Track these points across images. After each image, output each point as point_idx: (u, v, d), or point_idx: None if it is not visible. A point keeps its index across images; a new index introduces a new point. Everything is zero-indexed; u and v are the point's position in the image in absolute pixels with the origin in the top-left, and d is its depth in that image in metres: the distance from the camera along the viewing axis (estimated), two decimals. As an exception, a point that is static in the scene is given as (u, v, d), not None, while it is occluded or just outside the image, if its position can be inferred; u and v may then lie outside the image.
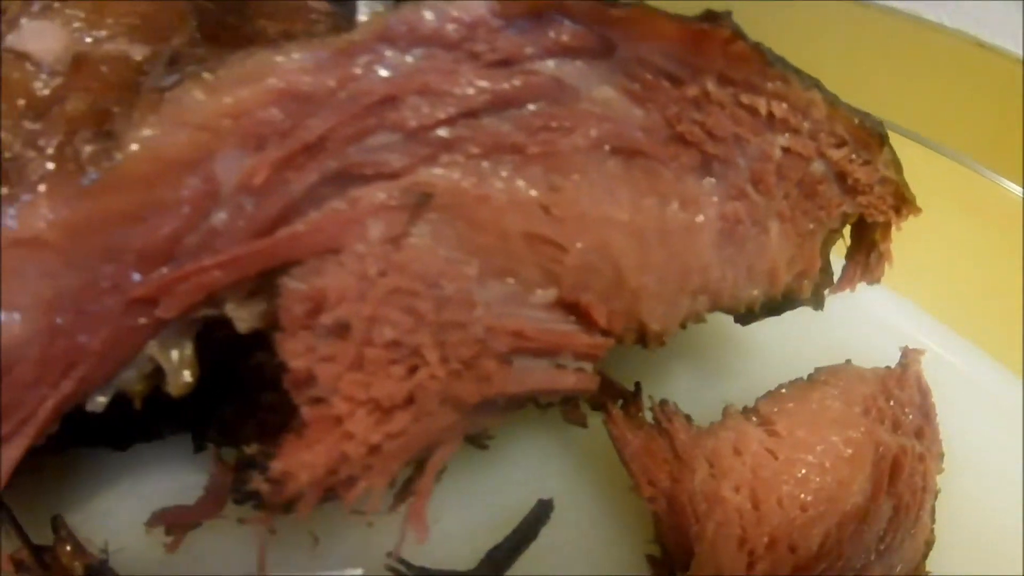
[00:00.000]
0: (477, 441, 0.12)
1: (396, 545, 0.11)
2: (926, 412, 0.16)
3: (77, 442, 0.13)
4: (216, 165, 0.09)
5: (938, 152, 0.36)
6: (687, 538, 0.11)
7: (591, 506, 0.14)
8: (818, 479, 0.12)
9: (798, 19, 0.45)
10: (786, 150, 0.13)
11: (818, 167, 0.14)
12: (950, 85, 0.41)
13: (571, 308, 0.11)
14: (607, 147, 0.12)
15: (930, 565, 0.14)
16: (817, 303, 0.16)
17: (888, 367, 0.16)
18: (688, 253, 0.12)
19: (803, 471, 0.12)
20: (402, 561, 0.12)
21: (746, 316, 0.15)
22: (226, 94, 0.09)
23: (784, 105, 0.13)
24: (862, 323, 0.21)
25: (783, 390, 0.13)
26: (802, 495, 0.12)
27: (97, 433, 0.13)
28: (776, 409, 0.13)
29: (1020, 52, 0.38)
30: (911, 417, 0.15)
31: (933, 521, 0.14)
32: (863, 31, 0.43)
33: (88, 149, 0.08)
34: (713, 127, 0.12)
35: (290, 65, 0.09)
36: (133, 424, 0.13)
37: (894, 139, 0.16)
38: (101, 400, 0.10)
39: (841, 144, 0.14)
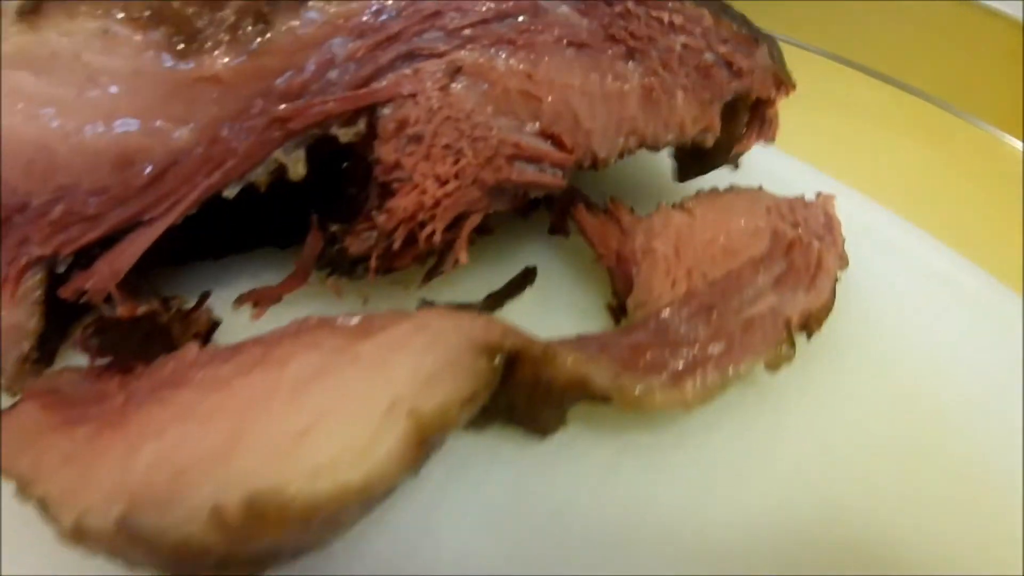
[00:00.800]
0: (485, 228, 0.19)
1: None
2: (830, 227, 0.21)
3: (183, 258, 0.20)
4: (333, 45, 0.16)
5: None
6: (630, 279, 0.17)
7: (564, 274, 0.20)
8: (723, 239, 0.18)
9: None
10: (684, 45, 0.20)
11: (709, 56, 0.21)
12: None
13: (548, 136, 0.18)
14: (565, 42, 0.19)
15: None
16: (732, 164, 0.22)
17: (794, 196, 0.21)
18: (621, 108, 0.19)
19: (711, 235, 0.18)
20: (427, 301, 0.18)
21: (681, 171, 0.22)
22: (340, 4, 0.16)
23: (681, 16, 0.20)
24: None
25: (702, 192, 0.19)
26: (710, 247, 0.18)
27: (197, 247, 0.19)
28: (694, 201, 0.19)
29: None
30: (812, 226, 0.20)
31: (832, 302, 0.19)
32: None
33: (251, 28, 0.16)
34: (633, 31, 0.19)
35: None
36: (228, 239, 0.20)
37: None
38: (233, 190, 0.17)
39: (725, 42, 0.21)
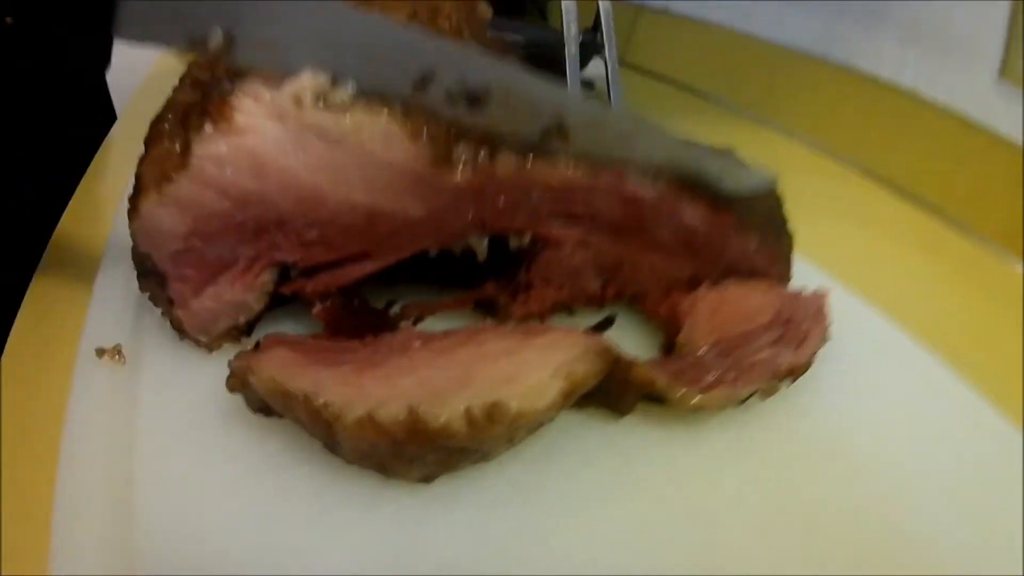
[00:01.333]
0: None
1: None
2: (818, 314, 0.28)
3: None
4: (531, 189, 0.27)
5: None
6: (679, 328, 0.27)
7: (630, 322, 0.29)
8: (743, 310, 0.27)
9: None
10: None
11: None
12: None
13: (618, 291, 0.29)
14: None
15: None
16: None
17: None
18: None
19: (735, 306, 0.27)
20: None
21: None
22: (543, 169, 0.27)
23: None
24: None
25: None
26: (734, 314, 0.27)
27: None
28: (727, 282, 0.28)
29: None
30: (804, 311, 0.29)
31: (811, 362, 0.27)
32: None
33: (482, 159, 0.26)
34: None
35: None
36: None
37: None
38: (434, 251, 0.26)
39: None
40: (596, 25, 0.75)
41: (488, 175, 0.24)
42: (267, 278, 0.26)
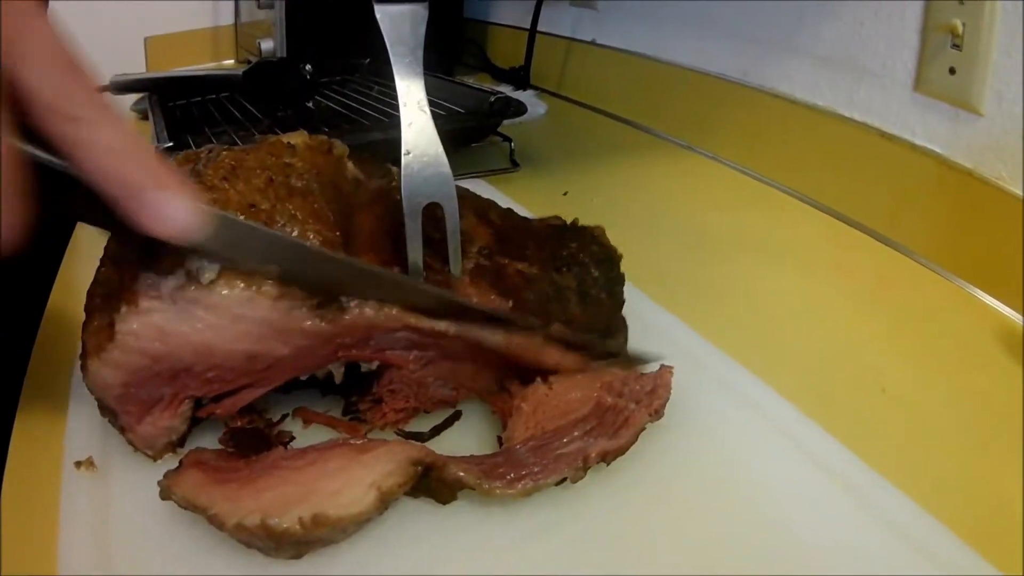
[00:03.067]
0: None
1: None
2: (653, 393, 0.35)
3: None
4: (376, 331, 0.35)
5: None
6: (506, 424, 0.34)
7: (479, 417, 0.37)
8: (562, 405, 0.34)
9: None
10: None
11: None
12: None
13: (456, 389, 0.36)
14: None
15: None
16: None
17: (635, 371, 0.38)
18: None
19: (556, 401, 0.34)
20: (397, 432, 0.35)
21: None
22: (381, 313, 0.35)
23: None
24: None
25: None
26: (554, 409, 0.34)
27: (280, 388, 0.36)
28: (555, 378, 0.35)
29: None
30: (633, 393, 0.36)
31: (627, 445, 0.33)
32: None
33: (333, 310, 0.34)
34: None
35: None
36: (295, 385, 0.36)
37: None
38: (304, 376, 0.35)
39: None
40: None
41: (335, 322, 0.32)
42: (186, 407, 0.35)
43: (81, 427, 0.38)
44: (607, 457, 0.33)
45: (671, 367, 0.37)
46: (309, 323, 0.32)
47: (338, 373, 0.34)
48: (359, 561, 0.30)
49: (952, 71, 0.57)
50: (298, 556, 0.30)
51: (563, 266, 0.38)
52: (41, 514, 0.34)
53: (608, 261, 0.40)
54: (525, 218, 0.42)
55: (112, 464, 0.36)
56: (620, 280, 0.39)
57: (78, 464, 0.36)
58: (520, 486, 0.31)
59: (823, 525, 0.31)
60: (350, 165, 0.38)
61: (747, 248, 0.60)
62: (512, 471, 0.31)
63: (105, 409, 0.35)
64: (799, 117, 0.67)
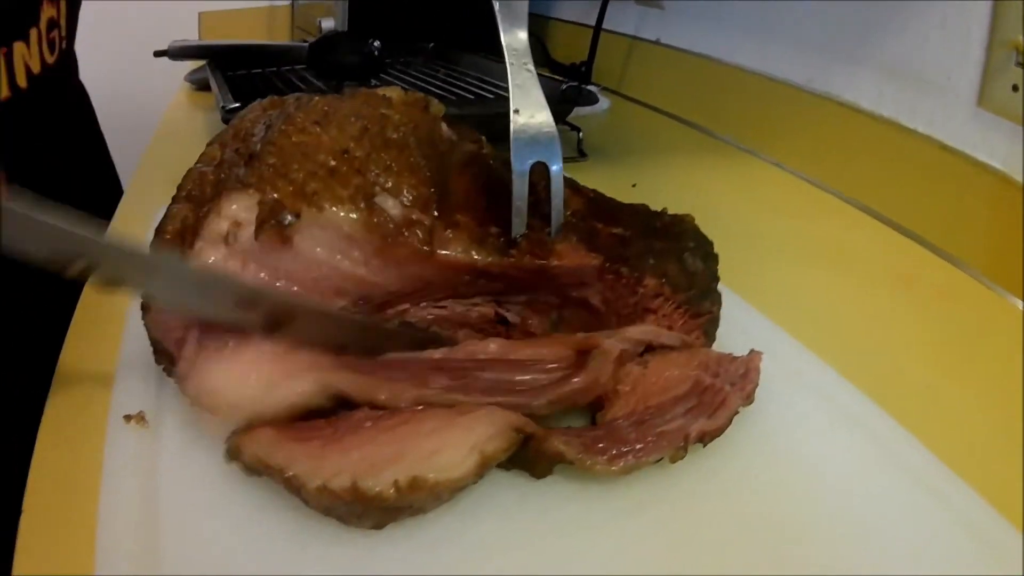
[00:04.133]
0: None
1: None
2: (745, 377, 0.33)
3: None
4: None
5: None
6: (603, 404, 0.32)
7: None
8: (661, 383, 0.33)
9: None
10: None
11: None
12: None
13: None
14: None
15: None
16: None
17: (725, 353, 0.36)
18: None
19: (654, 379, 0.33)
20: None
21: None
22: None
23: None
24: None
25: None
26: (653, 387, 0.33)
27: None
28: (651, 356, 0.34)
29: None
30: (729, 375, 0.33)
31: (724, 426, 0.32)
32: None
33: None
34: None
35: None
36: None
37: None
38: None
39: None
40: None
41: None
42: None
43: (132, 382, 0.36)
44: (705, 438, 0.31)
45: (760, 352, 0.36)
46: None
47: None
48: (443, 536, 0.28)
49: (1015, 88, 0.57)
50: (380, 526, 0.28)
51: (659, 235, 0.37)
52: (81, 468, 0.31)
53: (699, 236, 0.39)
54: (625, 204, 0.40)
55: (165, 422, 0.34)
56: (715, 258, 0.38)
57: (127, 418, 0.34)
58: (622, 463, 0.29)
59: (901, 525, 0.30)
60: (444, 126, 0.37)
61: (805, 253, 0.59)
62: (615, 447, 0.29)
63: (161, 353, 0.33)
64: (862, 126, 0.67)
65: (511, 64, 0.34)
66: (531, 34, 1.18)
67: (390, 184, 0.32)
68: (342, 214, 0.31)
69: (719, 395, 0.33)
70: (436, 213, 0.32)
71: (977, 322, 0.51)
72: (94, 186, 0.73)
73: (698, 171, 0.76)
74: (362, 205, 0.31)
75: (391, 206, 0.32)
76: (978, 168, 0.59)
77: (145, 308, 0.32)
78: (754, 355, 0.35)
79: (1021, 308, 0.53)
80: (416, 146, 0.34)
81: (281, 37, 1.36)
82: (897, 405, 0.37)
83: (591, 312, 0.35)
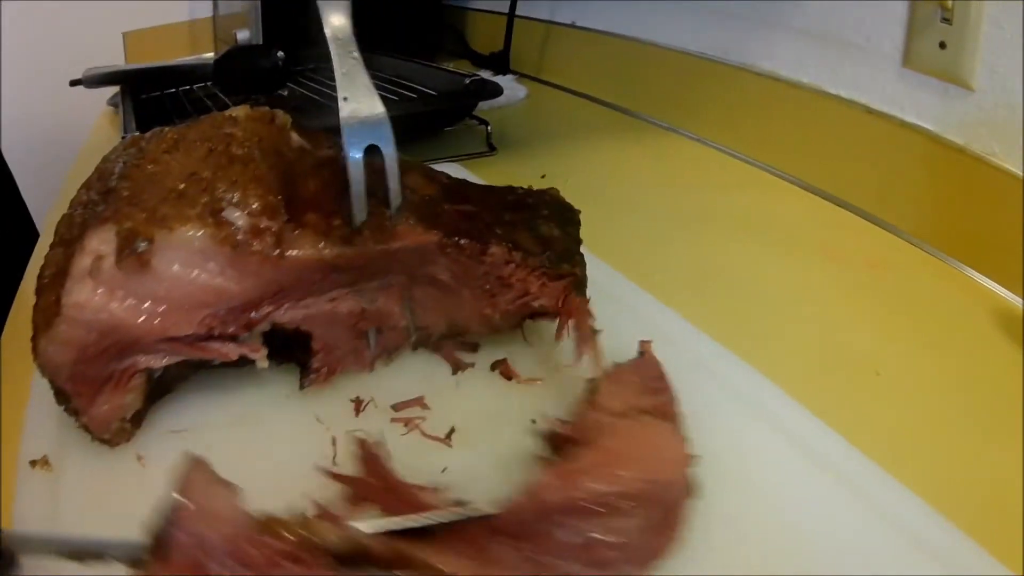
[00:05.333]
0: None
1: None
2: (660, 376, 0.32)
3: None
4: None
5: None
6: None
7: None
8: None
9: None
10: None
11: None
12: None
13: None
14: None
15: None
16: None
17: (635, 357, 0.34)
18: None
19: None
20: None
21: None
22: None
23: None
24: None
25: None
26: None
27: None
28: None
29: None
30: (654, 383, 0.32)
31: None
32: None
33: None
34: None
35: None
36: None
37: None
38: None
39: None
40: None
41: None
42: (138, 381, 0.34)
43: (39, 424, 0.36)
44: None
45: (648, 341, 0.35)
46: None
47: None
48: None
49: (942, 45, 0.56)
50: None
51: (510, 208, 0.38)
52: None
53: (560, 205, 0.40)
54: (483, 184, 0.41)
55: (69, 463, 0.33)
56: (575, 222, 0.39)
57: (33, 463, 0.34)
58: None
59: (814, 513, 0.30)
60: (294, 135, 0.38)
61: (732, 229, 0.58)
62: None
63: (59, 393, 0.34)
64: (783, 95, 0.66)
65: (337, 54, 0.35)
66: (449, 26, 1.19)
67: (236, 198, 0.33)
68: (191, 232, 0.32)
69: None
70: (286, 218, 0.34)
71: (910, 287, 0.51)
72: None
73: (617, 153, 0.76)
74: (210, 220, 0.32)
75: (237, 217, 0.33)
76: (907, 129, 0.58)
77: (34, 350, 0.32)
78: (644, 343, 0.34)
79: (957, 271, 0.52)
80: (261, 158, 0.35)
81: (206, 51, 1.36)
82: (821, 390, 0.36)
83: (441, 288, 0.37)
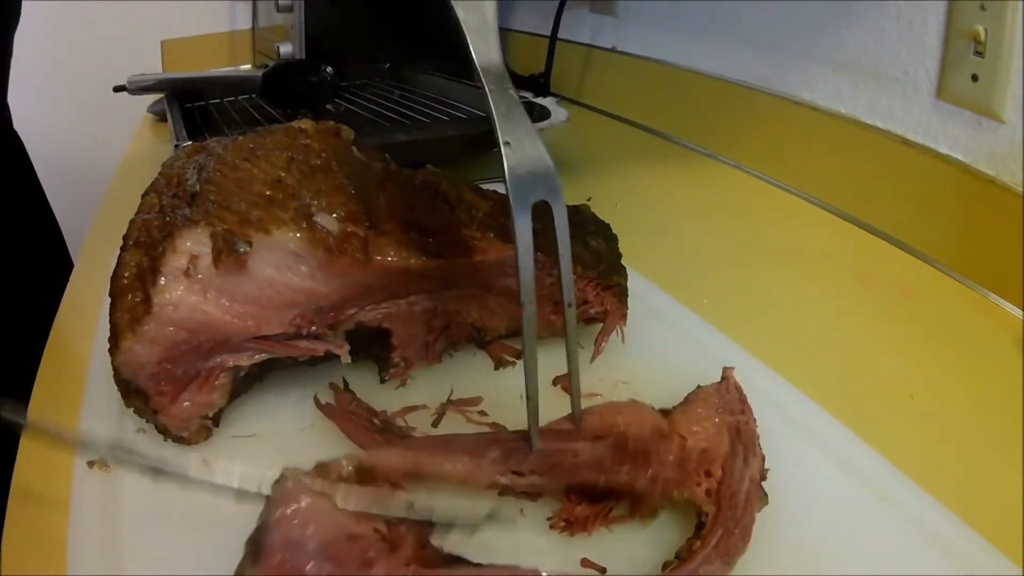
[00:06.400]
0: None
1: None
2: (743, 399, 0.34)
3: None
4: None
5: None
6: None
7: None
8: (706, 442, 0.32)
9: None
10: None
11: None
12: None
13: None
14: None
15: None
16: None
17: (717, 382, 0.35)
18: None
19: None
20: None
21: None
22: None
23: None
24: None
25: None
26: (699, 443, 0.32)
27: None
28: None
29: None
30: (736, 405, 0.34)
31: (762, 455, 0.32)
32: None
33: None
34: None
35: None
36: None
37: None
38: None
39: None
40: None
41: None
42: (224, 379, 0.36)
43: (95, 426, 0.36)
44: (765, 473, 0.33)
45: (730, 367, 0.36)
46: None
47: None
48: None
49: (975, 78, 0.58)
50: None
51: None
52: (48, 517, 0.32)
53: (598, 221, 0.44)
54: None
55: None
56: (614, 236, 0.43)
57: (91, 464, 0.34)
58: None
59: (850, 527, 0.31)
60: (354, 149, 0.42)
61: (771, 255, 0.60)
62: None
63: (133, 394, 0.34)
64: (820, 124, 0.68)
65: (491, 90, 0.30)
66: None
67: (324, 204, 0.36)
68: (288, 234, 0.34)
69: (749, 430, 0.33)
70: (368, 225, 0.36)
71: (946, 317, 0.52)
72: (32, 240, 0.75)
73: (659, 176, 0.78)
74: (304, 224, 0.34)
75: (328, 222, 0.35)
76: (940, 160, 0.60)
77: (114, 349, 0.33)
78: (726, 369, 0.36)
79: (987, 299, 0.54)
80: (338, 169, 0.38)
81: (244, 62, 1.39)
82: (858, 411, 0.38)
83: (511, 297, 0.40)
